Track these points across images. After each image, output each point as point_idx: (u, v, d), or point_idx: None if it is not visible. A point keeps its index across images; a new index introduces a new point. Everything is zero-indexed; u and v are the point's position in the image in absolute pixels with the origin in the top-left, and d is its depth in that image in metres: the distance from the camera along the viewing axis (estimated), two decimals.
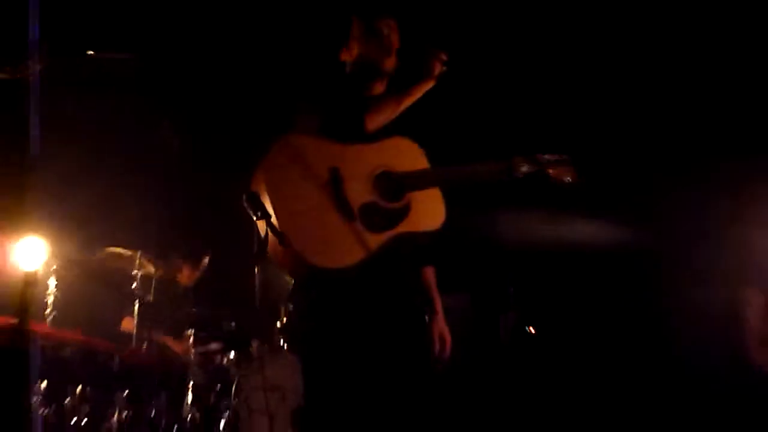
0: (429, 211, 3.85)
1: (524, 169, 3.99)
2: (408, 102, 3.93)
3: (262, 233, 3.64)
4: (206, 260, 7.55)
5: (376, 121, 3.85)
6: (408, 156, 3.89)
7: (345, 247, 3.59)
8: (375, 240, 3.64)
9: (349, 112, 3.83)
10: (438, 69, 3.91)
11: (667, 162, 7.21)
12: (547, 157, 4.06)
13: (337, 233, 3.59)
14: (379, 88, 4.06)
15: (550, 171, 4.05)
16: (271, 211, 3.49)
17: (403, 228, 3.75)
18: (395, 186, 3.77)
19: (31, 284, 5.87)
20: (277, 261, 3.66)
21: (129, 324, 6.78)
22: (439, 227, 3.86)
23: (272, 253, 3.63)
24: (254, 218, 3.56)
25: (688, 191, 7.03)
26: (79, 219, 6.83)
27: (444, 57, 3.92)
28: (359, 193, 3.67)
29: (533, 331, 6.41)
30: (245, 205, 3.55)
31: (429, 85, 3.93)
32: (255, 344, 6.83)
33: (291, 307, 4.20)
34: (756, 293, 5.65)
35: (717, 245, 6.39)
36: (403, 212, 3.78)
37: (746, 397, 5.79)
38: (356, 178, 3.68)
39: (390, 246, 3.70)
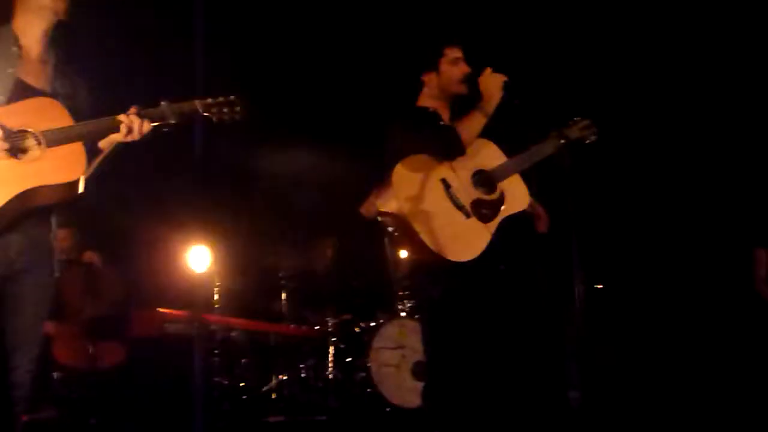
0: (518, 194, 4.17)
1: (572, 138, 4.25)
2: (487, 119, 4.15)
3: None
4: (333, 247, 7.76)
5: (471, 138, 4.09)
6: (489, 153, 4.18)
7: (471, 241, 3.89)
8: (489, 228, 3.97)
9: (449, 136, 4.08)
10: (501, 88, 4.10)
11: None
12: (576, 122, 4.30)
13: (462, 231, 3.89)
14: (446, 111, 4.30)
15: (583, 135, 4.29)
16: (406, 221, 3.80)
17: (504, 213, 4.06)
18: (488, 180, 4.08)
19: (203, 283, 6.81)
20: (411, 257, 4.03)
21: (280, 305, 7.29)
22: (528, 205, 4.19)
23: (408, 252, 4.04)
24: (392, 231, 4.00)
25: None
26: (233, 223, 7.21)
27: (505, 78, 4.14)
28: (467, 193, 3.97)
29: (601, 286, 6.66)
30: (383, 222, 4.02)
31: (497, 102, 4.12)
32: (379, 313, 7.15)
33: (415, 284, 4.54)
34: (762, 251, 5.80)
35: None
36: (501, 200, 4.07)
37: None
38: (461, 182, 3.98)
39: (499, 230, 3.98)
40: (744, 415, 6.08)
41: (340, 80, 7.71)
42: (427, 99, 4.30)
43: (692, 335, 7.07)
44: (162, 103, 3.32)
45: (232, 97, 3.45)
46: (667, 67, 7.14)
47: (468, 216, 3.95)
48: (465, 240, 3.91)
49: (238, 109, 3.44)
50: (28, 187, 3.09)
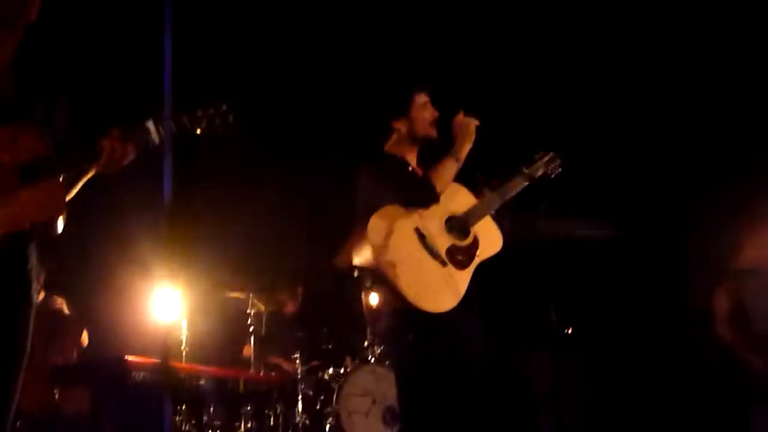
0: (491, 236, 4.14)
1: (539, 173, 4.25)
2: (460, 165, 4.12)
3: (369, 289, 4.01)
4: (300, 291, 7.81)
5: (445, 186, 4.06)
6: (460, 198, 4.16)
7: (450, 290, 3.88)
8: (466, 275, 3.95)
9: (424, 185, 4.05)
10: (474, 132, 4.11)
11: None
12: (540, 157, 4.29)
13: (440, 280, 3.88)
14: (413, 156, 4.26)
15: (548, 170, 4.27)
16: (383, 273, 3.78)
17: (479, 258, 4.04)
18: (461, 225, 4.05)
19: (170, 329, 6.70)
20: (386, 307, 3.96)
21: (248, 351, 7.23)
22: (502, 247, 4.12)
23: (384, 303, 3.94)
24: (369, 285, 3.96)
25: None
26: (201, 268, 7.04)
27: (477, 121, 4.14)
28: (441, 242, 3.95)
29: (570, 331, 6.68)
30: (359, 275, 3.97)
31: (470, 147, 4.12)
32: (348, 360, 7.11)
33: (388, 330, 4.51)
34: (723, 290, 5.75)
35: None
36: (476, 244, 4.05)
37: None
38: (434, 230, 3.95)
39: (474, 276, 3.97)
40: None
41: (305, 130, 7.72)
42: (396, 145, 4.26)
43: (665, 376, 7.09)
44: (147, 122, 3.11)
45: (224, 106, 3.28)
46: (630, 99, 7.20)
47: (444, 264, 3.92)
48: (443, 290, 3.89)
49: (230, 117, 3.27)
50: (5, 231, 2.86)
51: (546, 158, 4.29)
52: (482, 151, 4.21)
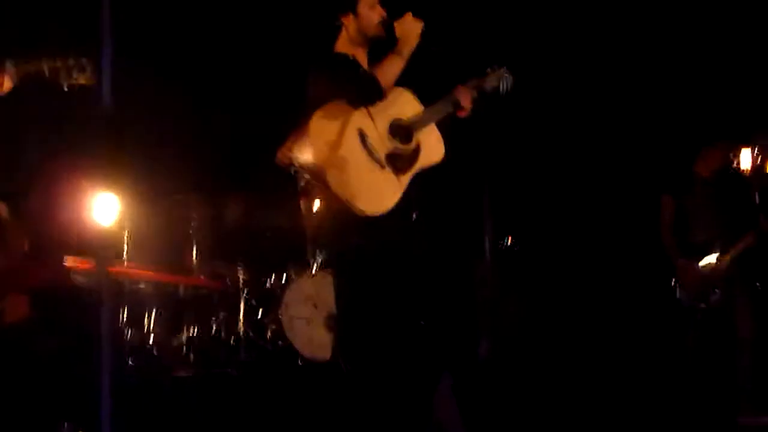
0: (434, 146, 4.11)
1: (490, 85, 4.23)
2: (405, 62, 4.05)
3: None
4: (245, 199, 7.59)
5: (389, 81, 4.01)
6: (406, 103, 4.11)
7: (384, 194, 3.87)
8: (404, 180, 3.95)
9: (369, 83, 3.99)
10: (419, 33, 4.02)
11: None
12: (492, 71, 4.26)
13: (375, 183, 3.87)
14: (364, 57, 4.20)
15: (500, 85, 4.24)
16: (320, 171, 3.75)
17: (419, 164, 4.03)
18: (405, 131, 4.02)
19: (109, 234, 6.50)
20: (324, 208, 4.00)
21: (190, 257, 7.17)
22: (443, 158, 4.11)
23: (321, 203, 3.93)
24: (305, 182, 4.07)
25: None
26: (143, 172, 6.96)
27: (422, 23, 4.06)
28: (383, 144, 3.92)
29: (510, 241, 6.72)
30: (297, 171, 4.11)
31: (413, 46, 4.03)
32: (290, 267, 7.12)
33: (328, 236, 4.48)
34: (668, 198, 6.10)
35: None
36: (417, 151, 4.03)
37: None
38: (377, 132, 3.92)
39: (412, 182, 3.98)
40: (645, 362, 6.25)
41: (254, 26, 7.53)
42: (346, 44, 4.19)
43: (600, 285, 7.24)
44: (6, 62, 3.13)
45: (83, 59, 3.24)
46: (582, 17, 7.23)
47: (382, 167, 3.90)
48: (378, 192, 3.87)
49: (87, 74, 3.24)
50: None
51: (497, 73, 4.26)
52: (434, 61, 4.16)
